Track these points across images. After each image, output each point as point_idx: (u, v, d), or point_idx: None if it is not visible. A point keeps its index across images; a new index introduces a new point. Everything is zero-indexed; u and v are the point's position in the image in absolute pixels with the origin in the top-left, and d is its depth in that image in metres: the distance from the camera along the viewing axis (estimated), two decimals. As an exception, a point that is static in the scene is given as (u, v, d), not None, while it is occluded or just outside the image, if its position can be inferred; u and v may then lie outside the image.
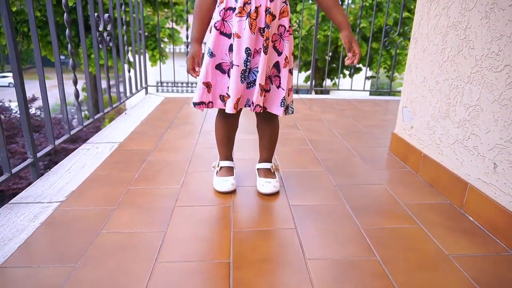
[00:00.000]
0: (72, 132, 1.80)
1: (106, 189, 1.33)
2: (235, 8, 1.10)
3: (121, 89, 2.64)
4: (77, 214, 1.15)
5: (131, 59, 2.80)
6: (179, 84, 3.88)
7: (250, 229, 1.09)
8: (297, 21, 10.67)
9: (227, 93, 1.17)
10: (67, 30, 1.69)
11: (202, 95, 1.18)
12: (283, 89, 1.19)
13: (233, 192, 1.31)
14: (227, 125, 1.33)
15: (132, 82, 2.78)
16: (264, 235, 1.06)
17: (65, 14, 1.64)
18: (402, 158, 1.65)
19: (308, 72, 11.87)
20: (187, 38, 3.11)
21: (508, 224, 1.02)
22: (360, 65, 12.58)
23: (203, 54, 1.20)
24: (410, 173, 1.53)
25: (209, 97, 1.19)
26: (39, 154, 1.48)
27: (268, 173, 1.35)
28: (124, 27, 2.53)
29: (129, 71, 2.72)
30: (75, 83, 1.77)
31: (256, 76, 1.15)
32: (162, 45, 11.13)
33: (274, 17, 1.11)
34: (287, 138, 1.95)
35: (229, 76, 1.16)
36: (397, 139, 1.70)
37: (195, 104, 1.20)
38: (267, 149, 1.36)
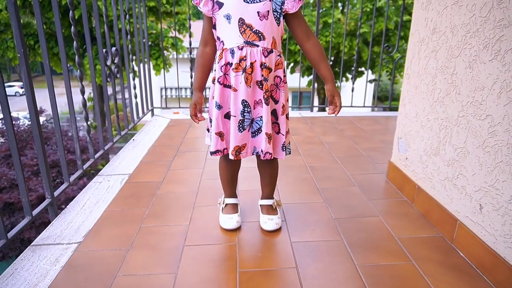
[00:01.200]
0: (85, 166, 1.90)
1: (120, 228, 1.42)
2: (232, 63, 1.19)
3: (128, 105, 2.74)
4: (95, 256, 1.25)
5: (133, 78, 2.90)
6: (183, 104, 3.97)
7: (255, 269, 1.18)
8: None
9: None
10: (74, 43, 1.76)
11: (217, 144, 1.28)
12: (283, 135, 1.29)
13: (238, 229, 1.40)
14: (231, 165, 1.42)
15: (139, 105, 2.89)
16: (268, 275, 1.15)
17: (72, 27, 1.73)
18: (399, 187, 1.73)
19: (311, 77, 11.96)
20: (190, 44, 3.22)
21: (494, 263, 1.10)
22: (363, 69, 12.70)
23: (211, 106, 1.29)
24: (406, 203, 1.61)
25: (223, 144, 1.29)
26: (56, 193, 1.58)
27: (270, 210, 1.44)
28: (129, 36, 2.62)
29: (135, 97, 2.83)
30: (83, 92, 1.86)
31: (260, 125, 1.24)
32: (165, 53, 11.29)
33: (270, 70, 1.20)
34: (289, 165, 2.04)
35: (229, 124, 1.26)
36: (394, 168, 1.78)
37: (212, 153, 1.30)
38: (269, 186, 1.45)
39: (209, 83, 1.33)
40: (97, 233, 1.39)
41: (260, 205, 1.47)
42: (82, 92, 1.86)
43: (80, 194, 1.73)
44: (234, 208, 1.46)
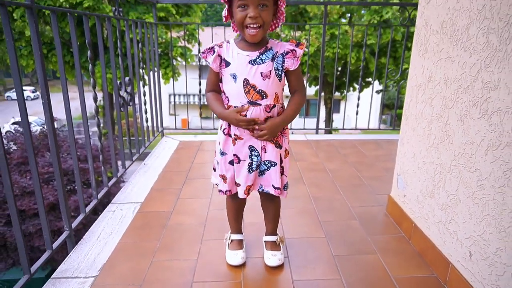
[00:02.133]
0: (100, 195, 2.01)
1: (133, 262, 1.52)
2: None
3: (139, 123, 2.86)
4: (110, 292, 1.35)
5: (144, 103, 3.02)
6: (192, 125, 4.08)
7: (258, 308, 1.26)
8: (306, 37, 10.88)
9: (238, 182, 1.37)
10: (88, 52, 1.88)
11: (222, 186, 1.41)
12: (286, 176, 1.40)
13: (243, 265, 1.49)
14: (237, 204, 1.51)
15: (149, 128, 3.00)
16: (270, 315, 1.23)
17: (88, 51, 1.85)
18: (397, 222, 1.81)
19: (318, 87, 12.05)
20: (198, 51, 3.36)
21: (482, 309, 1.17)
22: (370, 79, 12.76)
23: (216, 152, 1.40)
24: (403, 239, 1.69)
25: (225, 186, 1.40)
26: (73, 225, 1.69)
27: (274, 246, 1.53)
28: (140, 44, 2.73)
29: (146, 121, 2.95)
30: (95, 99, 1.96)
31: (267, 166, 1.35)
32: (174, 62, 11.48)
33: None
34: (293, 195, 2.12)
35: (239, 167, 1.36)
36: (393, 202, 1.86)
37: (219, 191, 1.43)
38: (272, 223, 1.54)
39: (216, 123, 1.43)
40: (112, 267, 1.49)
41: (265, 241, 1.56)
42: (95, 99, 1.95)
43: (95, 224, 1.84)
44: (240, 244, 1.55)
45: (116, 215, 1.93)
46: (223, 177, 1.39)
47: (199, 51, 3.31)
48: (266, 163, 1.35)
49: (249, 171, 1.34)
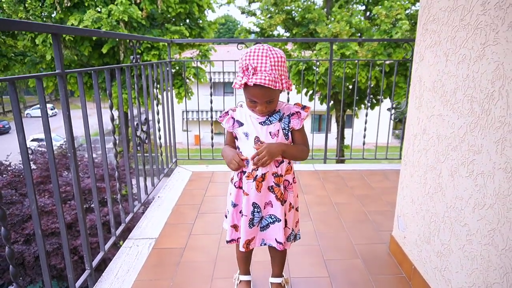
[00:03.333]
0: (118, 232, 2.15)
1: (148, 301, 1.64)
2: (245, 171, 1.42)
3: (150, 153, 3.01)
4: (128, 332, 1.47)
5: (159, 137, 3.18)
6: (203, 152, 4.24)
7: None
8: (317, 56, 11.05)
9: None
10: (110, 113, 2.01)
11: (231, 235, 1.51)
12: (289, 228, 1.49)
13: (250, 305, 1.60)
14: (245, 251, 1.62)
15: (164, 161, 3.16)
16: None
17: (109, 100, 1.99)
18: (399, 262, 1.89)
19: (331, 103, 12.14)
20: (210, 70, 3.56)
21: None
22: (381, 97, 12.82)
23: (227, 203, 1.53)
24: (404, 280, 1.76)
25: (237, 234, 1.51)
26: (94, 263, 1.83)
27: (279, 288, 1.63)
28: (154, 66, 2.87)
29: (161, 154, 3.11)
30: (112, 119, 2.08)
31: (268, 221, 1.46)
32: (187, 82, 11.77)
33: (281, 176, 1.42)
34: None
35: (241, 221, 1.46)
36: (394, 242, 1.94)
37: (228, 241, 1.52)
38: (278, 267, 1.65)
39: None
40: (129, 306, 1.62)
41: (271, 282, 1.66)
42: (112, 119, 2.08)
43: (113, 261, 1.97)
44: (247, 285, 1.66)
45: (132, 252, 2.06)
46: (235, 226, 1.50)
47: (210, 70, 3.51)
48: (272, 217, 1.44)
49: (249, 225, 1.44)
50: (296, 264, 1.90)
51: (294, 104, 1.41)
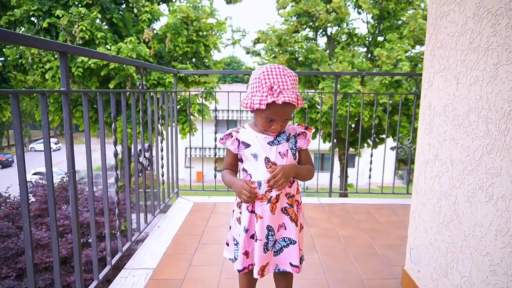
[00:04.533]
0: (113, 261, 2.04)
1: (142, 336, 1.51)
2: (258, 194, 1.35)
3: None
4: None
5: (161, 166, 3.13)
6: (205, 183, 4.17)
7: None
8: (320, 96, 11.23)
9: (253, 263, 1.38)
10: (113, 137, 1.96)
11: (243, 262, 1.40)
12: (301, 249, 1.42)
13: None
14: (250, 282, 1.52)
15: (165, 191, 3.08)
16: None
17: (113, 124, 1.97)
18: (412, 299, 1.76)
19: (329, 145, 12.16)
20: (215, 108, 3.54)
21: None
22: (384, 136, 12.84)
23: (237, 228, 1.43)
24: (419, 318, 1.63)
25: (248, 261, 1.40)
26: (86, 294, 1.71)
27: (285, 323, 1.50)
28: (160, 103, 2.84)
29: (163, 183, 3.04)
30: (116, 155, 2.01)
31: (282, 245, 1.39)
32: (192, 118, 11.90)
33: (293, 196, 1.39)
34: (305, 265, 2.09)
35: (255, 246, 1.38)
36: (407, 277, 1.82)
37: (239, 271, 1.40)
38: (286, 297, 1.53)
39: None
40: None
41: (277, 317, 1.54)
42: (115, 155, 2.02)
43: (107, 292, 1.85)
44: (252, 319, 1.53)
45: (128, 282, 1.94)
46: (246, 253, 1.40)
47: (215, 108, 3.53)
48: (286, 240, 1.38)
49: (264, 250, 1.36)
50: (303, 300, 1.78)
51: (297, 125, 1.42)
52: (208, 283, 1.93)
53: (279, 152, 1.35)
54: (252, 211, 1.37)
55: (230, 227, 1.49)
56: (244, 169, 1.41)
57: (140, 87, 2.38)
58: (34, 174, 16.52)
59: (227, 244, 1.51)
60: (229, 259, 1.50)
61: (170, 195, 3.25)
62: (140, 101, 2.38)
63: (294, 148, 1.38)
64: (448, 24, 1.46)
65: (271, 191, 1.34)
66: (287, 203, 1.36)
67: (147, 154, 2.60)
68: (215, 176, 3.55)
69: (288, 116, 1.30)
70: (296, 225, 1.38)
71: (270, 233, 1.36)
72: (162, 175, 3.01)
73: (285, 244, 1.38)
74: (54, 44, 1.33)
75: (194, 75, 11.29)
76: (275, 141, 1.36)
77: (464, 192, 1.35)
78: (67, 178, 1.57)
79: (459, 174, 1.38)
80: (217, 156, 3.67)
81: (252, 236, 1.38)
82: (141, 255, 2.27)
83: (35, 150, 24.61)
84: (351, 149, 14.73)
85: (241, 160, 1.42)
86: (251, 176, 1.37)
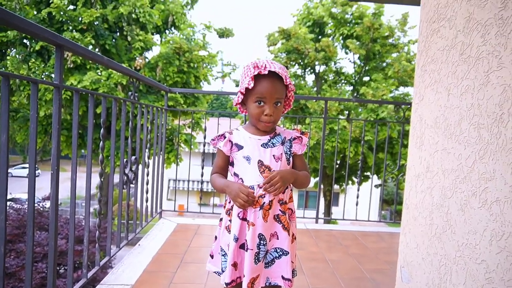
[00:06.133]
0: (90, 274, 1.91)
1: None
2: None
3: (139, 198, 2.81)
4: None
5: (146, 183, 3.04)
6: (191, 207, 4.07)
7: None
8: (307, 130, 11.41)
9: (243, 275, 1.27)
10: (101, 143, 1.91)
11: (232, 275, 1.29)
12: (293, 262, 1.34)
13: None
14: None
15: (148, 209, 2.98)
16: None
17: (101, 129, 1.91)
18: (404, 320, 1.68)
19: (317, 179, 12.18)
20: (204, 138, 3.48)
21: None
22: (368, 173, 12.98)
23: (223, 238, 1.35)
24: None
25: (237, 273, 1.30)
26: (57, 305, 1.58)
27: None
28: (149, 128, 2.78)
29: (146, 201, 2.94)
30: (101, 175, 1.94)
31: (273, 256, 1.30)
32: (178, 149, 11.81)
33: (286, 204, 1.32)
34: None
35: (246, 256, 1.27)
36: (398, 297, 1.76)
37: (227, 284, 1.30)
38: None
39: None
40: None
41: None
42: (101, 175, 1.94)
43: (80, 306, 1.71)
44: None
45: (103, 298, 1.81)
46: (235, 264, 1.29)
47: (204, 138, 3.49)
48: (278, 250, 1.29)
49: (255, 261, 1.27)
50: (290, 318, 1.68)
51: (293, 129, 1.38)
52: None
53: (273, 155, 1.30)
54: (244, 219, 1.29)
55: (215, 237, 1.40)
56: (235, 174, 1.34)
57: (131, 97, 2.36)
58: (9, 200, 15.84)
59: (212, 257, 1.42)
60: (215, 272, 1.41)
61: (154, 214, 3.13)
62: (131, 111, 2.35)
63: (289, 153, 1.34)
64: (439, 40, 1.52)
65: (264, 196, 1.27)
66: (280, 210, 1.29)
67: (133, 168, 2.53)
68: (200, 207, 3.46)
69: (279, 96, 1.25)
70: (289, 234, 1.30)
71: (262, 242, 1.27)
72: (147, 192, 2.92)
73: (277, 255, 1.30)
74: (49, 33, 1.31)
75: (183, 105, 11.36)
76: (269, 143, 1.31)
77: (457, 200, 1.34)
78: (44, 203, 1.51)
79: (451, 184, 1.38)
80: (203, 190, 3.59)
81: (242, 246, 1.30)
82: (119, 271, 2.14)
83: (12, 176, 23.79)
84: (336, 186, 14.78)
85: (232, 164, 1.35)
86: (242, 181, 1.30)
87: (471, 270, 1.24)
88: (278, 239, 1.29)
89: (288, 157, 1.33)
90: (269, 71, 1.22)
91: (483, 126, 1.22)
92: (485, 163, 1.20)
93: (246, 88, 1.24)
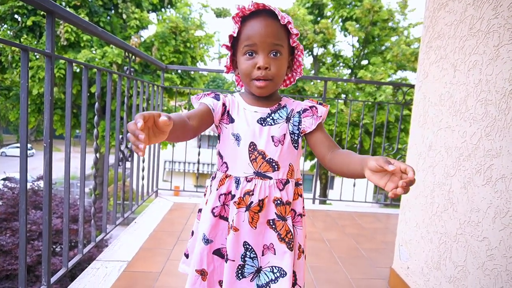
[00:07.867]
0: (85, 250, 1.89)
1: (112, 325, 1.38)
2: (234, 195, 0.95)
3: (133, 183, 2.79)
4: None
5: (143, 161, 3.00)
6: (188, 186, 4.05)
7: None
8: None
9: None
10: (95, 117, 1.88)
11: (194, 284, 0.98)
12: (300, 286, 0.99)
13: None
14: None
15: (144, 187, 2.95)
16: None
17: (96, 103, 1.86)
18: (401, 297, 1.69)
19: (314, 161, 12.21)
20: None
21: None
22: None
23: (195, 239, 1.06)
24: (408, 316, 1.57)
25: (204, 285, 0.99)
26: (52, 280, 1.56)
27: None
28: (146, 104, 2.74)
29: (142, 178, 2.91)
30: (96, 150, 1.89)
31: (270, 278, 0.95)
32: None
33: (289, 204, 0.95)
34: (289, 263, 2.01)
35: (225, 268, 0.96)
36: (395, 275, 1.76)
37: None
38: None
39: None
40: (88, 329, 1.35)
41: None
42: (96, 150, 1.90)
43: (75, 282, 1.70)
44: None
45: (99, 273, 1.79)
46: (202, 272, 0.98)
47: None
48: (275, 270, 0.95)
49: (237, 276, 0.95)
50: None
51: (307, 99, 1.00)
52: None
53: (272, 137, 0.94)
54: (223, 217, 0.98)
55: (192, 232, 1.08)
56: (219, 154, 1.00)
57: (127, 72, 2.29)
58: (3, 179, 15.78)
59: (186, 256, 1.10)
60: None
61: (150, 193, 3.11)
62: (126, 87, 2.29)
63: (297, 133, 0.96)
64: (446, 14, 1.47)
65: (253, 194, 0.93)
66: (275, 213, 0.94)
67: (129, 144, 2.49)
68: (196, 186, 3.44)
69: (275, 41, 0.90)
70: (290, 248, 0.93)
71: (248, 254, 0.95)
72: (143, 170, 2.89)
73: (273, 278, 0.95)
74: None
75: (179, 86, 11.22)
76: (268, 119, 0.95)
77: (460, 178, 1.32)
78: (39, 182, 1.46)
79: (455, 161, 1.36)
80: (199, 171, 3.57)
81: (218, 252, 0.99)
82: (115, 248, 2.12)
83: (5, 155, 23.59)
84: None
85: (219, 138, 1.00)
86: (227, 168, 0.97)
87: (472, 247, 1.23)
88: (275, 253, 0.95)
89: (295, 138, 0.96)
90: (257, 9, 0.90)
91: (490, 102, 1.19)
92: (491, 140, 1.17)
93: (232, 39, 0.95)
